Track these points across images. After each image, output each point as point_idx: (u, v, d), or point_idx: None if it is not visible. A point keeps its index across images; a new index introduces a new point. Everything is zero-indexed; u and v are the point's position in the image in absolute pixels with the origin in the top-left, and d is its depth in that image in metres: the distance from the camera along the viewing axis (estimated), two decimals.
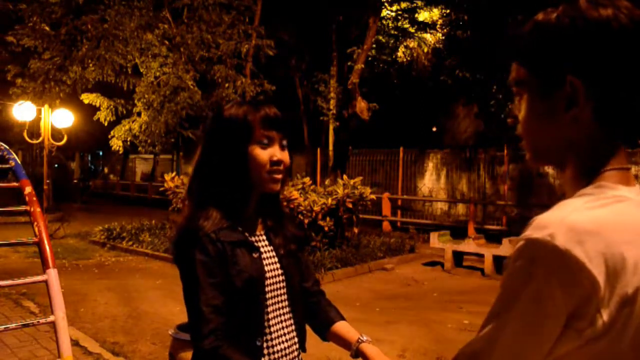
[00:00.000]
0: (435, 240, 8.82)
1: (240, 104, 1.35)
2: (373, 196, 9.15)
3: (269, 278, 1.34)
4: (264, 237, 1.39)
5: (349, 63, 14.09)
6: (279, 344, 1.35)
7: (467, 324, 5.51)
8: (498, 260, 8.15)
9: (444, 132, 18.76)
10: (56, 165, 19.77)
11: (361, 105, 12.97)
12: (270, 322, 1.34)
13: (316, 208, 8.13)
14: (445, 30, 16.65)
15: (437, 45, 17.70)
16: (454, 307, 6.27)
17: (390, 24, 17.72)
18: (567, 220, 0.68)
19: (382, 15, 15.59)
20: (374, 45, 15.71)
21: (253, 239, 1.35)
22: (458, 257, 8.78)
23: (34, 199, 2.49)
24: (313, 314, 1.49)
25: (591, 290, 0.66)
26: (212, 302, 1.22)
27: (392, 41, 17.96)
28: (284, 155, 1.35)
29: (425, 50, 18.17)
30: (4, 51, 12.66)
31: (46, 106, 11.82)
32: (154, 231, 10.56)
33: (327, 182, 10.84)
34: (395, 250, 9.63)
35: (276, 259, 1.38)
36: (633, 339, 0.69)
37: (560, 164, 0.82)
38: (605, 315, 0.67)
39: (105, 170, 35.76)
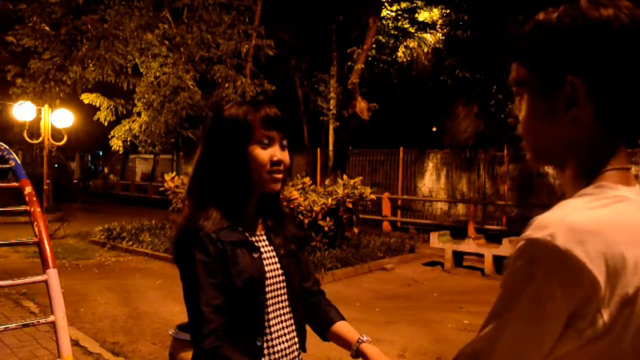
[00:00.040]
0: (435, 240, 8.82)
1: (241, 104, 1.35)
2: (373, 196, 9.15)
3: (269, 278, 1.34)
4: (264, 237, 1.39)
5: (349, 63, 14.09)
6: (279, 344, 1.35)
7: (467, 324, 5.51)
8: (498, 260, 8.15)
9: (444, 132, 18.76)
10: (56, 165, 19.77)
11: (361, 105, 12.98)
12: (271, 322, 1.34)
13: (316, 208, 8.13)
14: (445, 30, 16.65)
15: (437, 45, 17.70)
16: (454, 307, 6.27)
17: (390, 24, 17.72)
18: (568, 220, 0.68)
19: (382, 15, 15.59)
20: (374, 45, 15.71)
21: (253, 239, 1.35)
22: (458, 257, 8.78)
23: (34, 199, 2.49)
24: (313, 313, 1.49)
25: (592, 290, 0.66)
26: (213, 302, 1.22)
27: (392, 41, 17.96)
28: (284, 155, 1.35)
29: (425, 50, 18.18)
30: (4, 51, 12.66)
31: (46, 106, 11.82)
32: (154, 231, 10.56)
33: (327, 182, 10.84)
34: (395, 250, 9.63)
35: (276, 259, 1.38)
36: (634, 339, 0.69)
37: (560, 164, 0.82)
38: (605, 316, 0.67)
39: (105, 170, 35.76)
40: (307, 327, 1.47)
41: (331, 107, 14.77)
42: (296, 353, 1.41)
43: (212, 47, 11.26)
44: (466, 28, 14.60)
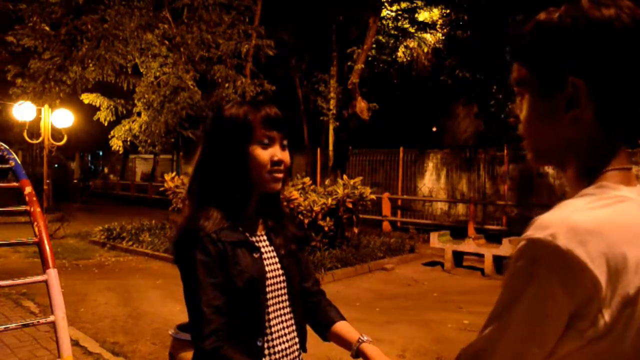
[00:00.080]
0: (435, 240, 8.82)
1: (241, 104, 1.35)
2: (373, 196, 9.15)
3: (270, 278, 1.34)
4: (265, 237, 1.39)
5: (349, 63, 14.09)
6: (280, 344, 1.35)
7: (467, 324, 5.51)
8: (498, 260, 8.15)
9: (444, 132, 18.76)
10: (56, 165, 19.77)
11: (361, 105, 12.98)
12: (271, 323, 1.34)
13: (316, 208, 8.13)
14: (445, 30, 16.65)
15: (437, 45, 17.70)
16: (454, 307, 6.27)
17: (390, 24, 17.72)
18: (569, 220, 0.68)
19: (382, 15, 15.58)
20: (374, 45, 15.71)
21: (254, 239, 1.35)
22: (458, 257, 8.78)
23: (34, 199, 2.49)
24: (313, 314, 1.49)
25: (593, 290, 0.66)
26: (213, 302, 1.22)
27: (392, 41, 17.96)
28: (285, 155, 1.35)
29: (425, 50, 18.17)
30: (4, 51, 12.66)
31: (46, 106, 11.82)
32: (154, 231, 10.56)
33: (327, 182, 10.84)
34: (395, 250, 9.62)
35: (277, 259, 1.38)
36: (635, 339, 0.69)
37: (561, 164, 0.81)
38: (607, 316, 0.67)
39: (105, 170, 35.76)
40: (308, 327, 1.47)
41: (331, 107, 14.77)
42: (297, 353, 1.41)
43: (212, 47, 11.27)
44: (466, 28, 14.60)
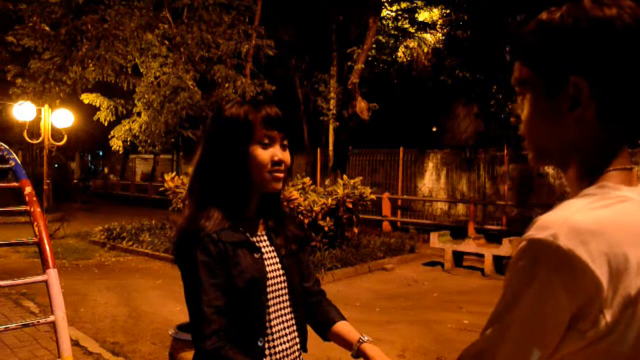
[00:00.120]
0: (435, 240, 8.82)
1: (241, 104, 1.35)
2: (373, 196, 9.16)
3: (271, 279, 1.33)
4: (265, 238, 1.39)
5: (349, 63, 14.09)
6: (281, 344, 1.35)
7: (467, 324, 5.51)
8: (498, 260, 8.15)
9: (444, 132, 18.76)
10: (56, 165, 19.77)
11: (361, 105, 12.98)
12: (272, 323, 1.33)
13: (316, 208, 8.13)
14: (445, 30, 16.66)
15: (437, 45, 17.70)
16: (454, 307, 6.27)
17: (390, 24, 17.73)
18: (570, 220, 0.68)
19: (382, 15, 15.59)
20: (374, 45, 15.72)
21: (254, 239, 1.35)
22: (458, 257, 8.78)
23: (34, 199, 2.49)
24: (314, 314, 1.49)
25: (594, 290, 0.66)
26: (214, 303, 1.22)
27: (392, 41, 17.96)
28: (285, 155, 1.34)
29: (425, 50, 18.17)
30: (4, 51, 12.66)
31: (46, 106, 11.82)
32: (154, 231, 10.56)
33: (327, 182, 10.85)
34: (395, 250, 9.63)
35: (277, 260, 1.38)
36: (636, 339, 0.69)
37: (562, 164, 0.81)
38: (608, 316, 0.67)
39: (105, 170, 35.76)
40: (308, 327, 1.47)
41: (331, 107, 14.77)
42: (297, 353, 1.41)
43: (212, 47, 11.27)
44: (466, 28, 14.61)
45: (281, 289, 1.36)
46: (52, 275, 2.28)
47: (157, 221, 11.34)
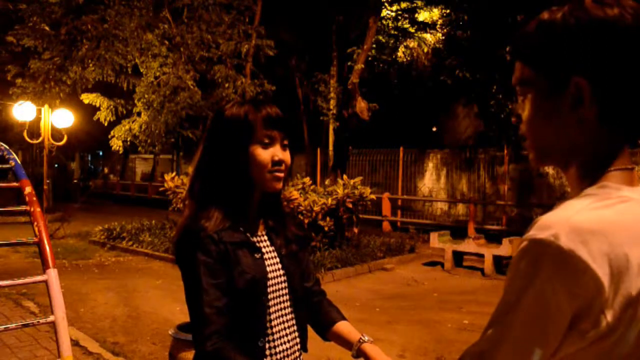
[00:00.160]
0: (435, 240, 8.81)
1: (242, 104, 1.35)
2: (373, 196, 9.15)
3: (271, 279, 1.33)
4: (266, 238, 1.39)
5: (349, 63, 14.09)
6: (281, 344, 1.35)
7: (467, 324, 5.51)
8: (498, 260, 8.15)
9: (444, 132, 18.76)
10: (56, 165, 19.77)
11: (361, 105, 12.98)
12: (272, 323, 1.33)
13: (316, 208, 8.13)
14: (445, 30, 16.66)
15: (437, 45, 17.70)
16: (454, 307, 6.26)
17: (390, 24, 17.71)
18: (571, 220, 0.68)
19: (382, 15, 15.58)
20: (374, 45, 15.71)
21: (255, 239, 1.35)
22: (458, 257, 8.78)
23: (34, 199, 2.49)
24: (314, 314, 1.49)
25: (595, 291, 0.66)
26: (215, 303, 1.22)
27: (392, 41, 17.95)
28: (285, 155, 1.34)
29: (425, 50, 18.18)
30: (4, 51, 12.67)
31: (46, 106, 11.81)
32: (154, 231, 10.56)
33: (327, 182, 10.84)
34: (395, 250, 9.62)
35: (278, 260, 1.38)
36: (637, 340, 0.69)
37: (563, 163, 0.81)
38: (609, 317, 0.67)
39: (105, 170, 35.74)
40: (308, 327, 1.47)
41: (331, 107, 14.76)
42: (298, 354, 1.40)
43: (212, 47, 11.28)
44: (466, 28, 14.61)
45: (282, 289, 1.36)
46: (52, 275, 2.28)
47: (157, 221, 11.33)
